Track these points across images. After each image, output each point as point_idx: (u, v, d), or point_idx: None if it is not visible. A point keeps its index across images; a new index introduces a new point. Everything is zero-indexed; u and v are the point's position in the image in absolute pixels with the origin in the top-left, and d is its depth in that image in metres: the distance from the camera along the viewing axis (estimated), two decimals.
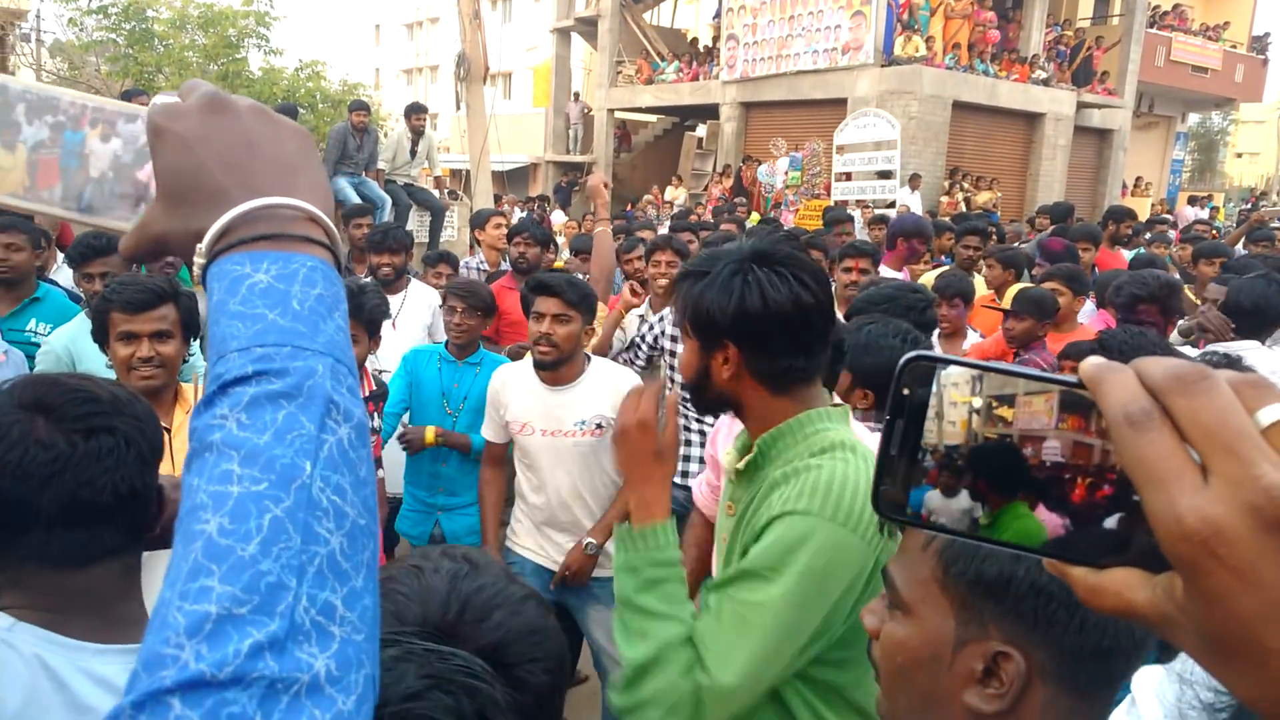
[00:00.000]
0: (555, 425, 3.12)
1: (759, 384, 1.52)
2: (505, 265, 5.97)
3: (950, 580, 0.93)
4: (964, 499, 0.47)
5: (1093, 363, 0.43)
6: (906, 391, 0.48)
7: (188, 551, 0.51)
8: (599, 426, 3.12)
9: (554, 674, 0.88)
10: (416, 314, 4.70)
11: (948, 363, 0.48)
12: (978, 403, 0.46)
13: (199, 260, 0.62)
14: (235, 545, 0.50)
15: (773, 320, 1.47)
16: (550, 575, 3.20)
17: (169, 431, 2.54)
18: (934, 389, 0.47)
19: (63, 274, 4.46)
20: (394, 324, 4.56)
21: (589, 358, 3.24)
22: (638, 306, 4.45)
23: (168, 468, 1.34)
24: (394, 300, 4.66)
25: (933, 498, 0.47)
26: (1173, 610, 0.40)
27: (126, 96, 8.45)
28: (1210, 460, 0.38)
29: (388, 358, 4.28)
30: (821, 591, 1.37)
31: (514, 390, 3.21)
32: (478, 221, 6.35)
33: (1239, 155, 47.08)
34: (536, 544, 3.26)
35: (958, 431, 0.46)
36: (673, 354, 4.01)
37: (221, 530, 0.50)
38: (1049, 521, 0.45)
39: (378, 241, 4.83)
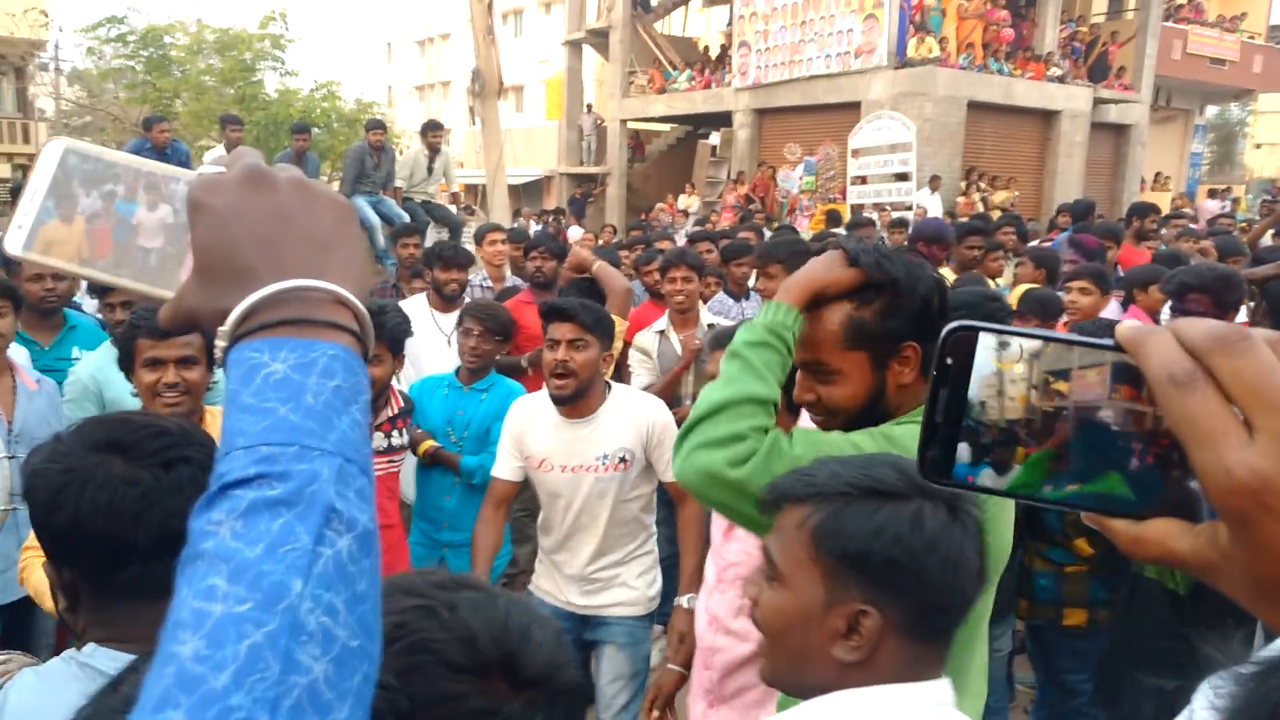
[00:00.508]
0: (576, 460, 2.93)
1: (921, 375, 1.56)
2: (510, 280, 5.98)
3: (820, 555, 1.14)
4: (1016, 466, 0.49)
5: (1130, 326, 0.46)
6: (950, 361, 0.50)
7: (161, 674, 0.48)
8: (623, 460, 2.92)
9: (579, 674, 0.92)
10: None
11: (989, 331, 0.50)
12: (1036, 378, 0.49)
13: (220, 344, 0.60)
14: (208, 674, 0.47)
15: (943, 306, 1.56)
16: (567, 619, 2.96)
17: None
18: (980, 358, 0.49)
19: (86, 303, 4.50)
20: (449, 341, 4.55)
21: (609, 385, 3.03)
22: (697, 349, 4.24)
23: None
24: (451, 318, 4.62)
25: (987, 464, 0.50)
26: (1216, 557, 0.43)
27: (146, 124, 8.53)
28: (1255, 417, 0.40)
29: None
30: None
31: (535, 422, 3.01)
32: (477, 238, 6.35)
33: (1258, 146, 46.60)
34: (555, 586, 3.07)
35: (1017, 406, 0.49)
36: None
37: (197, 655, 0.48)
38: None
39: (449, 258, 4.85)
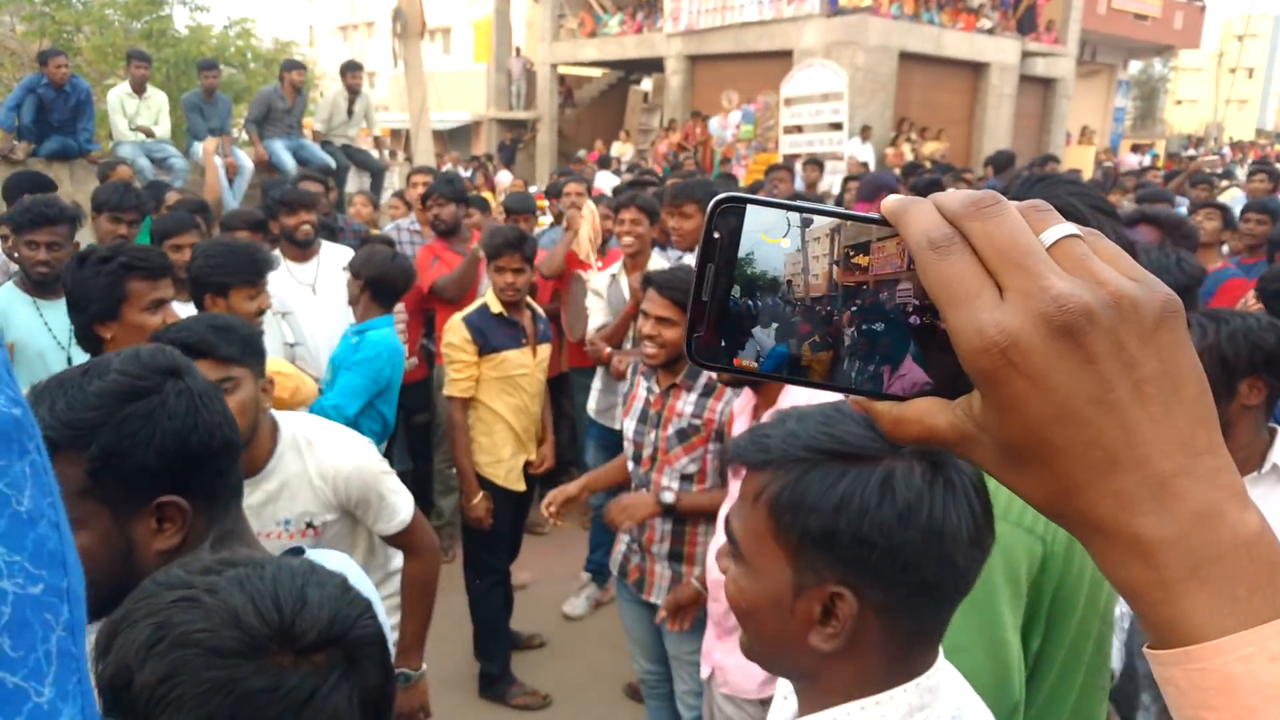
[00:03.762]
0: (256, 525, 2.04)
1: None
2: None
3: (781, 533, 0.97)
4: (790, 344, 0.47)
5: (894, 198, 0.46)
6: (717, 235, 0.48)
7: None
8: (310, 526, 2.19)
9: (375, 618, 0.90)
10: (335, 276, 4.34)
11: (756, 203, 0.48)
12: (836, 253, 0.47)
13: None
14: None
15: None
16: None
17: None
18: (747, 233, 0.47)
19: None
20: (314, 289, 4.35)
21: (276, 424, 2.17)
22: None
23: None
24: (308, 267, 4.40)
25: (754, 344, 0.47)
26: (970, 427, 0.44)
27: (42, 58, 8.01)
28: (1004, 277, 0.41)
29: (310, 326, 4.09)
30: (984, 582, 1.30)
31: None
32: (407, 181, 6.21)
33: (1178, 102, 47.84)
34: None
35: (820, 284, 0.47)
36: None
37: None
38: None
39: (292, 200, 4.48)
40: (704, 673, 2.58)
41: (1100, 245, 0.43)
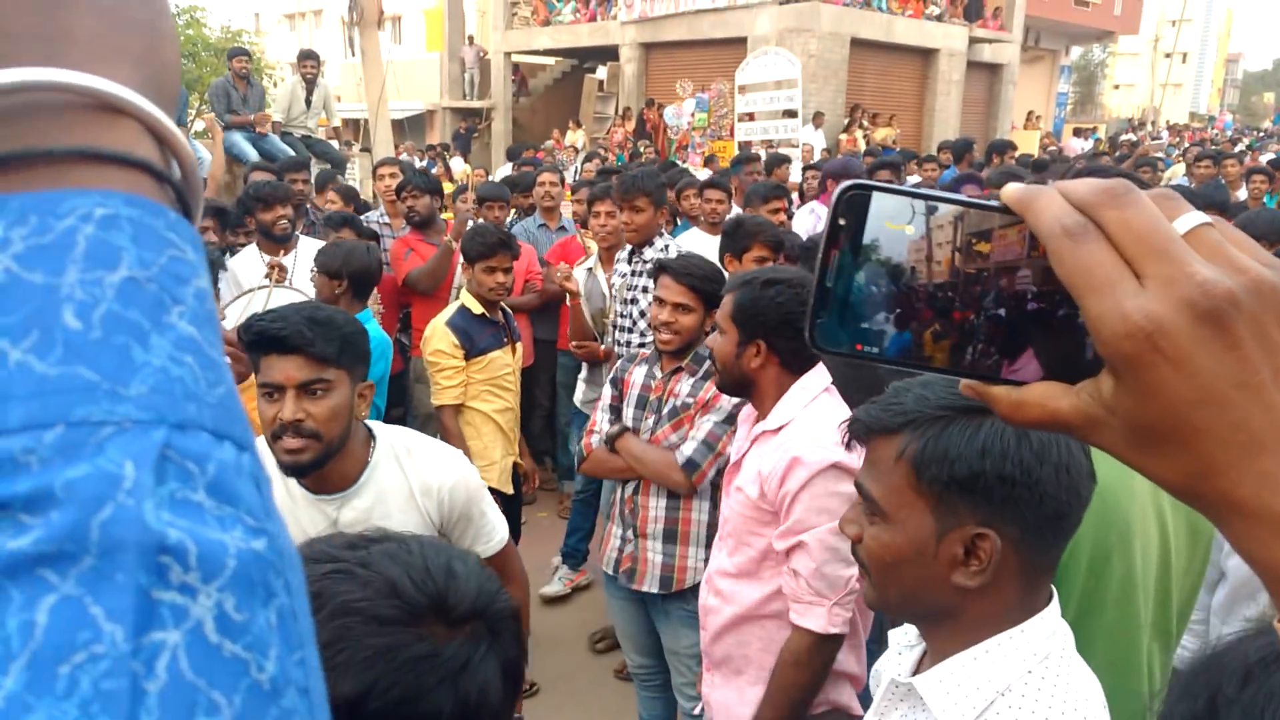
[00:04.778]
0: None
1: None
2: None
3: (924, 485, 1.09)
4: (912, 331, 0.48)
5: (1016, 187, 0.46)
6: (843, 221, 0.48)
7: None
8: None
9: (508, 594, 0.92)
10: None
11: (883, 190, 0.48)
12: (959, 240, 0.48)
13: None
14: None
15: None
16: None
17: None
18: (872, 220, 0.48)
19: None
20: (291, 282, 4.31)
21: (373, 435, 2.02)
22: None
23: None
24: (285, 262, 4.36)
25: (878, 330, 0.48)
26: (1099, 411, 0.44)
27: None
28: (1144, 264, 0.41)
29: None
30: None
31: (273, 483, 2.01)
32: (373, 173, 6.15)
33: (1116, 87, 48.86)
34: None
35: (943, 270, 0.48)
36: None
37: None
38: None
39: (268, 195, 4.43)
40: (695, 708, 2.48)
41: (1230, 233, 0.43)
